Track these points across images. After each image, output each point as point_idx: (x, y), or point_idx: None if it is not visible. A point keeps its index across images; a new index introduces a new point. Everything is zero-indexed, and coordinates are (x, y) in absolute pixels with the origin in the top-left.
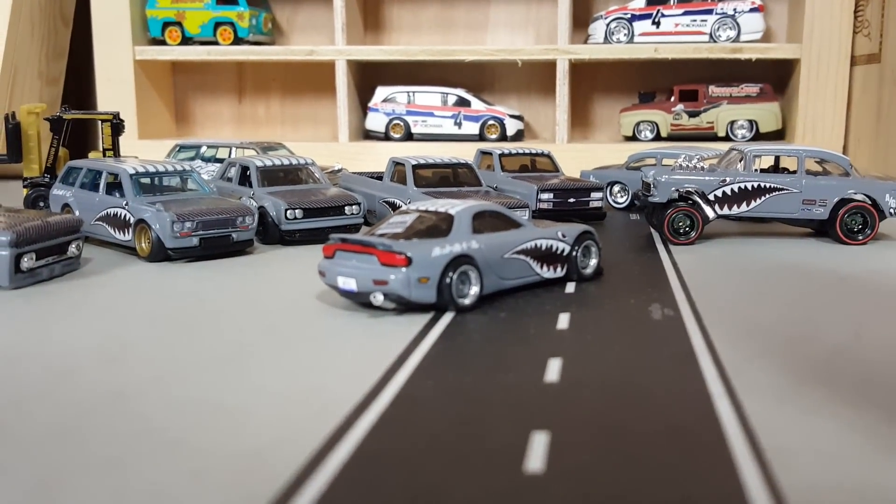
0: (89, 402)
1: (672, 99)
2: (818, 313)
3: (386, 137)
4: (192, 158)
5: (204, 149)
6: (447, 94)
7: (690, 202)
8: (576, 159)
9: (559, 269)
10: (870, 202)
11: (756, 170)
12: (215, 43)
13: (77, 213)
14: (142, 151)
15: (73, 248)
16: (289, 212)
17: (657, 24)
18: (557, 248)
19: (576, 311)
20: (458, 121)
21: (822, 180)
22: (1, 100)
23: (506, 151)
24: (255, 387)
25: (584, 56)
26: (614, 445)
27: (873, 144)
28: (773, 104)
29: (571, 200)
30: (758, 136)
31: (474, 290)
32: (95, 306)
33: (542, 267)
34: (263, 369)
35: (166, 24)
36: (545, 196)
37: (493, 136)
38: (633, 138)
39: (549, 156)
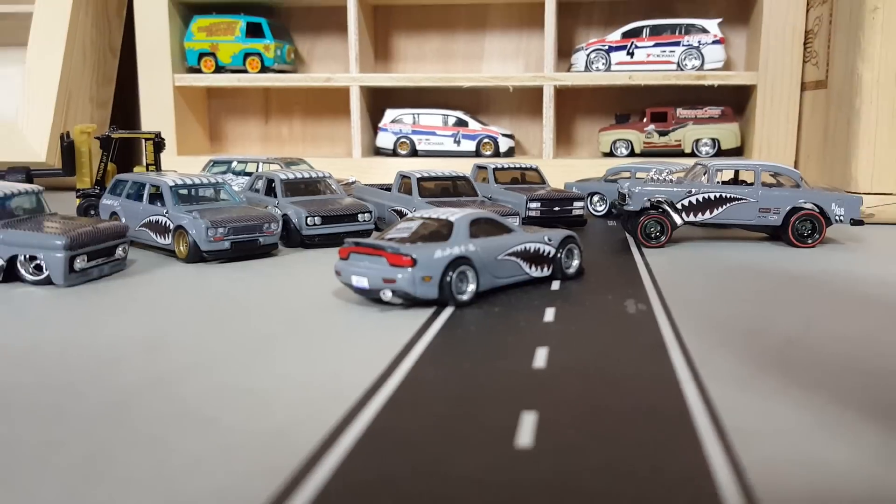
0: (134, 386)
1: (644, 120)
2: (773, 309)
3: (394, 154)
4: (224, 172)
5: (235, 164)
6: (447, 115)
7: (661, 210)
8: (560, 173)
9: (546, 269)
10: (818, 210)
11: (718, 182)
12: (245, 71)
13: (123, 220)
14: (180, 166)
15: (119, 251)
16: (309, 219)
17: (631, 54)
18: (544, 251)
19: (560, 305)
20: (457, 139)
21: (776, 191)
22: (57, 121)
23: (499, 166)
24: (279, 373)
25: (568, 83)
26: (594, 424)
27: (821, 160)
28: (733, 125)
29: (556, 209)
30: (719, 153)
31: (471, 287)
32: (139, 302)
33: (530, 267)
34: (286, 357)
35: (202, 55)
36: (533, 205)
37: (488, 153)
38: (610, 154)
39: (536, 170)
